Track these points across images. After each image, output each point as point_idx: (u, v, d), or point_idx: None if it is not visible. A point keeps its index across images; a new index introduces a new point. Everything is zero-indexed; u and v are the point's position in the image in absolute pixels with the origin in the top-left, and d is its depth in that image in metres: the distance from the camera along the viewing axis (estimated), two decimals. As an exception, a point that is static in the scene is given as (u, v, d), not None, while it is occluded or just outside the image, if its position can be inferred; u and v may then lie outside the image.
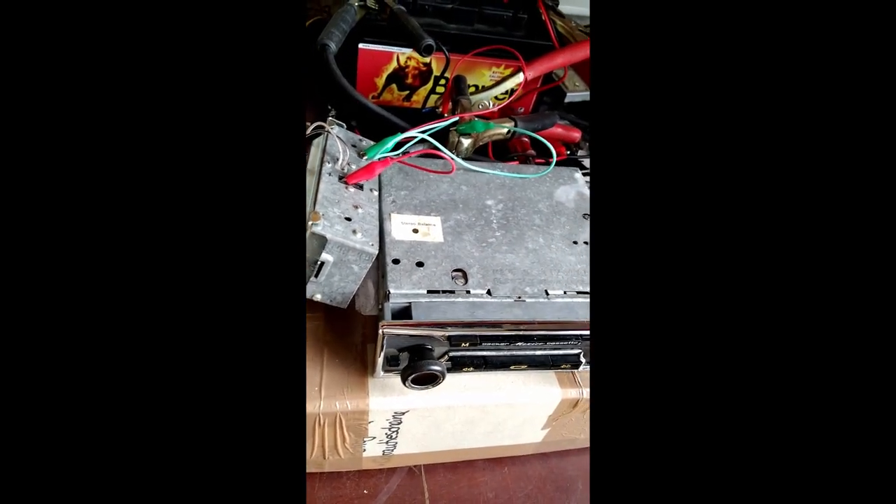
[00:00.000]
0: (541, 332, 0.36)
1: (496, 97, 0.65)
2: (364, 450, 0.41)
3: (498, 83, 0.65)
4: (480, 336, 0.35)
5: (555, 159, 0.48)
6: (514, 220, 0.43)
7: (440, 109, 0.65)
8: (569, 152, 0.79)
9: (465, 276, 0.38)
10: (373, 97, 0.73)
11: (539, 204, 0.46)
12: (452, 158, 0.45)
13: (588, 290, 0.39)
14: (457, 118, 0.49)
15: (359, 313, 0.41)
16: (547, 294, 0.38)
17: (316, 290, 0.36)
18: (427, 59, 0.69)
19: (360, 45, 0.67)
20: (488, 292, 0.37)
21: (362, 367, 0.38)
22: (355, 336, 0.40)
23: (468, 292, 0.37)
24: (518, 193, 0.46)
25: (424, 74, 0.72)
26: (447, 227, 0.41)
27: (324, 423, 0.37)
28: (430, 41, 0.53)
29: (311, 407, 0.36)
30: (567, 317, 0.37)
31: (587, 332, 0.37)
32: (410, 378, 0.34)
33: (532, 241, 0.42)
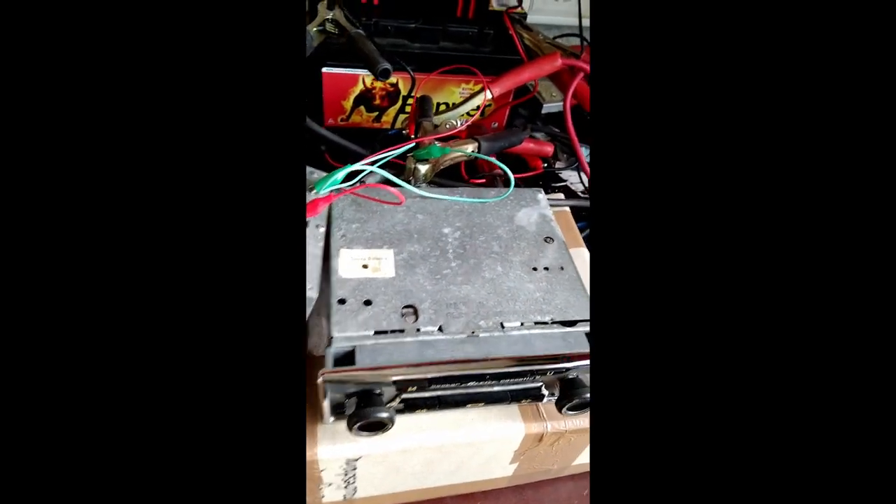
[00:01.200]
0: (493, 370, 0.34)
1: (468, 113, 0.64)
2: (323, 496, 0.39)
3: (464, 101, 0.64)
4: (429, 379, 0.33)
5: (513, 183, 0.47)
6: (472, 248, 0.42)
7: (406, 131, 0.64)
8: (545, 165, 0.77)
9: (416, 312, 0.36)
10: (342, 120, 0.72)
11: (499, 229, 0.44)
12: (402, 189, 0.44)
13: (546, 319, 0.37)
14: (413, 144, 0.48)
15: (311, 354, 0.39)
16: (502, 327, 0.36)
17: (258, 336, 0.35)
18: (387, 82, 0.68)
19: (324, 70, 0.66)
20: (440, 329, 0.35)
21: (313, 412, 0.37)
22: (310, 378, 0.39)
23: (418, 330, 0.35)
24: (477, 219, 0.44)
25: (392, 95, 0.71)
26: (400, 259, 0.40)
27: (273, 473, 0.35)
28: (386, 65, 0.52)
29: (257, 459, 0.34)
30: (522, 351, 0.35)
31: (545, 367, 0.35)
32: (356, 426, 0.33)
33: (490, 269, 0.40)
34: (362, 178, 0.45)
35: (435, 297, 0.37)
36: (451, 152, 0.49)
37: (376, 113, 0.72)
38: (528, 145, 0.68)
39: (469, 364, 0.34)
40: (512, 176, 0.46)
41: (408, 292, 0.37)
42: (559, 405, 0.37)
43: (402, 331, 0.35)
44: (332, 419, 0.35)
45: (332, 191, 0.41)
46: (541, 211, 0.47)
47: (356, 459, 0.36)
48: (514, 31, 0.70)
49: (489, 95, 0.64)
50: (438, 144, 0.51)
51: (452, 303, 0.37)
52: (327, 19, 0.60)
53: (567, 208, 0.57)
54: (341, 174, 0.42)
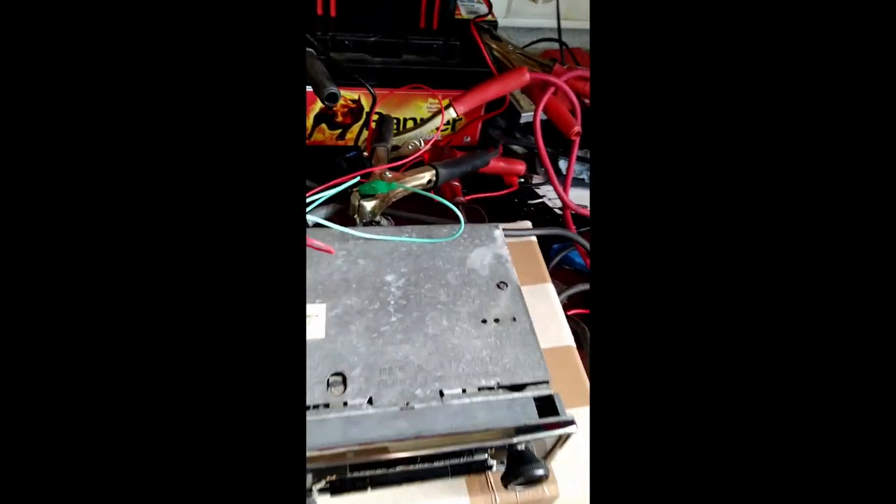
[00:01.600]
0: (427, 450, 0.31)
1: (437, 129, 0.60)
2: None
3: (427, 120, 0.60)
4: (349, 465, 0.30)
5: (462, 223, 0.43)
6: (416, 298, 0.38)
7: (366, 153, 0.60)
8: (521, 180, 0.73)
9: (344, 381, 0.33)
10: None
11: (448, 274, 0.40)
12: (341, 232, 0.40)
13: (491, 383, 0.34)
14: (356, 179, 0.44)
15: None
16: (441, 395, 0.33)
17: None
18: (347, 98, 0.64)
19: (280, 88, 0.62)
20: (369, 401, 0.32)
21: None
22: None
23: (345, 404, 0.32)
24: (426, 262, 0.41)
25: (355, 111, 0.67)
26: (332, 316, 0.36)
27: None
28: (332, 89, 0.48)
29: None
30: (462, 425, 0.31)
31: (486, 444, 0.32)
32: None
33: (434, 324, 0.37)
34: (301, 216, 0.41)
35: (368, 360, 0.34)
36: (399, 187, 0.45)
37: (339, 130, 0.69)
38: (497, 164, 0.64)
39: (398, 444, 0.30)
40: (462, 216, 0.42)
41: (337, 356, 0.34)
42: (505, 481, 0.33)
43: (327, 405, 0.31)
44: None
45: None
46: (496, 251, 0.43)
47: (281, 544, 0.33)
48: (482, 41, 0.66)
49: (453, 114, 0.60)
50: (389, 175, 0.48)
51: (387, 367, 0.34)
52: (277, 36, 0.56)
53: (534, 238, 0.53)
54: (271, 219, 0.38)
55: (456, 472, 0.33)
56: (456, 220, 0.43)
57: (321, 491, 0.32)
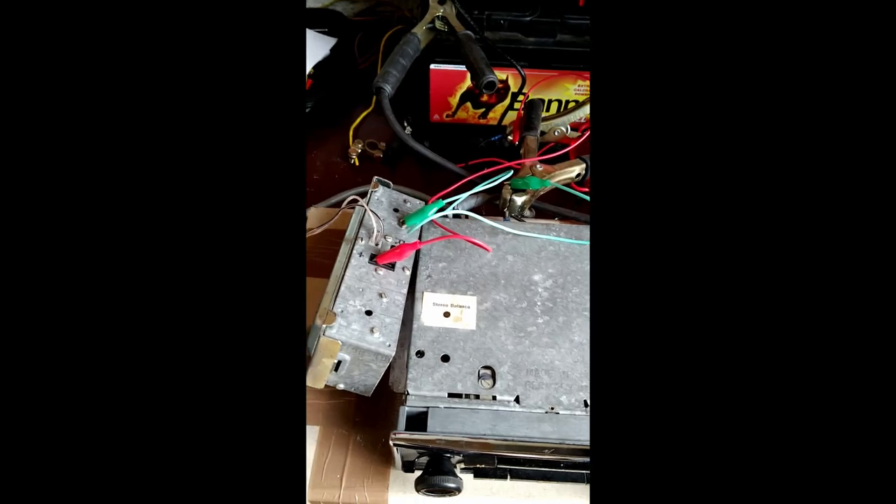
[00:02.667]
0: (569, 458, 0.32)
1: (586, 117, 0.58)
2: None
3: (577, 106, 0.58)
4: (497, 457, 0.32)
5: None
6: (563, 302, 0.39)
7: (511, 137, 0.60)
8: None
9: (493, 375, 0.35)
10: (447, 116, 0.70)
11: (596, 280, 0.40)
12: (492, 227, 0.41)
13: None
14: (510, 174, 0.45)
15: (392, 390, 0.40)
16: (586, 405, 0.33)
17: (338, 381, 0.36)
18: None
19: (432, 66, 0.64)
20: (516, 399, 0.34)
21: (388, 453, 0.37)
22: (387, 416, 0.39)
23: (494, 398, 0.34)
24: (573, 265, 0.41)
25: (501, 91, 0.67)
26: (483, 309, 0.38)
27: (346, 508, 0.37)
28: (491, 77, 0.48)
29: (331, 496, 0.36)
30: (605, 438, 0.32)
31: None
32: (423, 490, 0.33)
33: (580, 331, 0.37)
34: (457, 203, 0.43)
35: (515, 359, 0.35)
36: (552, 184, 0.44)
37: (483, 110, 0.69)
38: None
39: (543, 447, 0.32)
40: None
41: (487, 351, 0.36)
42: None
43: (477, 396, 0.34)
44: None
45: (415, 242, 0.40)
46: (649, 260, 0.41)
47: (424, 510, 0.36)
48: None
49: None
50: (540, 167, 0.47)
51: (534, 369, 0.35)
52: (437, 17, 0.56)
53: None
54: (432, 211, 0.41)
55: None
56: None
57: (464, 470, 0.34)
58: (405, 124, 0.72)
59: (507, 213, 0.45)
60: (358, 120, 0.70)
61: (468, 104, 0.68)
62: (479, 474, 0.34)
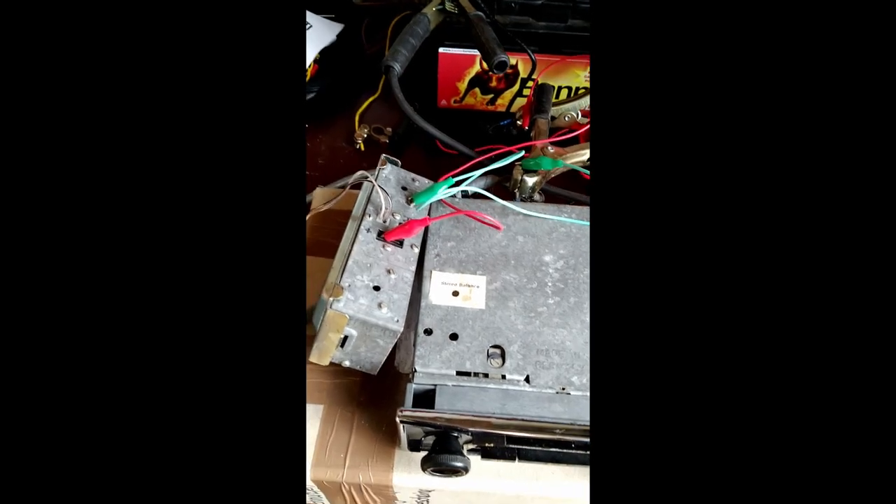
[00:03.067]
0: (580, 438, 0.31)
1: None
2: (397, 510, 0.40)
3: (588, 92, 0.57)
4: (507, 437, 0.31)
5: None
6: (574, 283, 0.38)
7: (520, 123, 0.59)
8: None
9: (503, 354, 0.34)
10: (455, 101, 0.69)
11: (608, 262, 0.39)
12: (503, 207, 0.40)
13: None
14: (521, 154, 0.44)
15: (398, 371, 0.39)
16: (598, 385, 0.33)
17: (344, 358, 0.35)
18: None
19: (441, 50, 0.63)
20: (526, 379, 0.33)
21: (393, 433, 0.37)
22: (392, 396, 0.39)
23: (503, 377, 0.33)
24: (584, 247, 0.40)
25: (510, 77, 0.66)
26: (492, 289, 0.37)
27: (350, 489, 0.36)
28: (503, 57, 0.47)
29: (334, 475, 0.35)
30: (617, 419, 0.31)
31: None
32: (430, 469, 0.32)
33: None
34: (464, 188, 0.42)
35: (525, 339, 0.35)
36: (563, 166, 0.44)
37: (491, 95, 0.68)
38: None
39: (553, 427, 0.31)
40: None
41: (496, 330, 0.35)
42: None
43: (486, 375, 0.33)
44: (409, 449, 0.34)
45: (425, 218, 0.39)
46: (662, 242, 0.40)
47: (430, 491, 0.36)
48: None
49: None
50: (551, 149, 0.46)
51: (544, 349, 0.34)
52: (447, -2, 0.55)
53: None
54: (441, 189, 0.40)
55: (601, 461, 0.34)
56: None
57: (471, 451, 0.34)
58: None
59: (517, 193, 0.44)
60: (364, 105, 0.69)
61: (476, 90, 0.68)
62: (486, 455, 0.33)
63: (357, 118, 0.68)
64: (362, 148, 0.65)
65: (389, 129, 0.66)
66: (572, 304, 0.36)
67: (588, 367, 0.33)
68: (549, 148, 0.46)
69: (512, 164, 0.44)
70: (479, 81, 0.66)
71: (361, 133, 0.65)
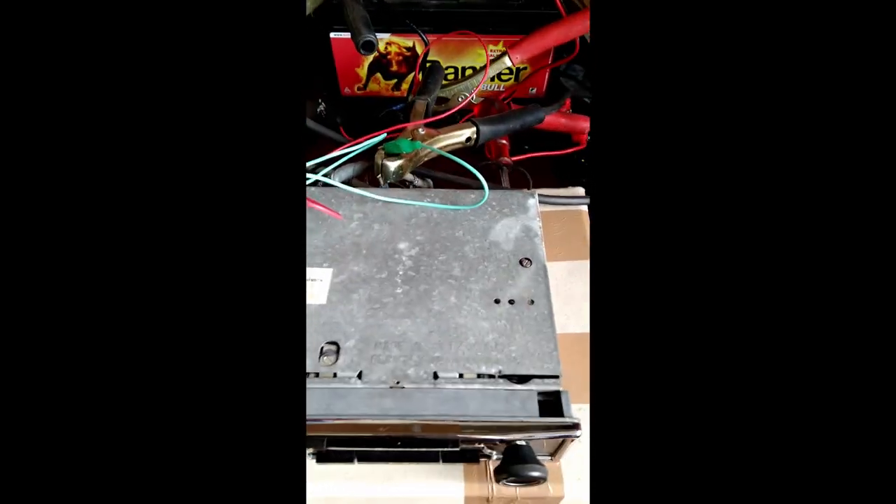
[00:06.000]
0: (408, 434, 0.29)
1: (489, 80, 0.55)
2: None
3: (478, 71, 0.55)
4: (327, 438, 0.29)
5: (486, 188, 0.38)
6: (427, 270, 0.35)
7: (414, 106, 0.56)
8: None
9: (338, 351, 0.32)
10: (359, 89, 0.66)
11: (466, 246, 0.37)
12: (357, 194, 0.38)
13: (492, 371, 0.31)
14: (383, 135, 0.41)
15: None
16: (435, 377, 0.31)
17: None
18: (402, 46, 0.60)
19: (332, 35, 0.60)
20: (359, 375, 0.31)
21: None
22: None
23: (335, 375, 0.31)
24: (444, 232, 0.38)
25: (409, 59, 0.63)
26: (337, 282, 0.35)
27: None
28: (369, 37, 0.45)
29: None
30: (451, 411, 0.29)
31: (474, 437, 0.29)
32: (504, 480, 0.29)
33: (441, 300, 0.34)
34: (325, 175, 0.40)
35: (365, 332, 0.32)
36: (427, 146, 0.41)
37: (395, 80, 0.65)
38: (557, 121, 0.57)
39: (381, 424, 0.29)
40: (485, 183, 0.38)
41: (334, 325, 0.33)
42: (497, 475, 0.31)
43: (316, 374, 0.31)
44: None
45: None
46: (526, 222, 0.38)
47: (274, 500, 0.33)
48: (552, -22, 0.58)
49: (508, 63, 0.54)
50: (422, 131, 0.44)
51: (383, 342, 0.32)
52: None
53: (585, 207, 0.48)
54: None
55: (448, 459, 0.32)
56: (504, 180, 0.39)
57: (309, 455, 0.31)
58: (320, 102, 0.68)
59: (381, 179, 0.42)
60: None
61: (378, 75, 0.65)
62: (321, 459, 0.31)
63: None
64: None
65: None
66: (420, 292, 0.34)
67: (427, 358, 0.31)
68: (421, 130, 0.44)
69: (374, 149, 0.42)
70: (380, 66, 0.64)
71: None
